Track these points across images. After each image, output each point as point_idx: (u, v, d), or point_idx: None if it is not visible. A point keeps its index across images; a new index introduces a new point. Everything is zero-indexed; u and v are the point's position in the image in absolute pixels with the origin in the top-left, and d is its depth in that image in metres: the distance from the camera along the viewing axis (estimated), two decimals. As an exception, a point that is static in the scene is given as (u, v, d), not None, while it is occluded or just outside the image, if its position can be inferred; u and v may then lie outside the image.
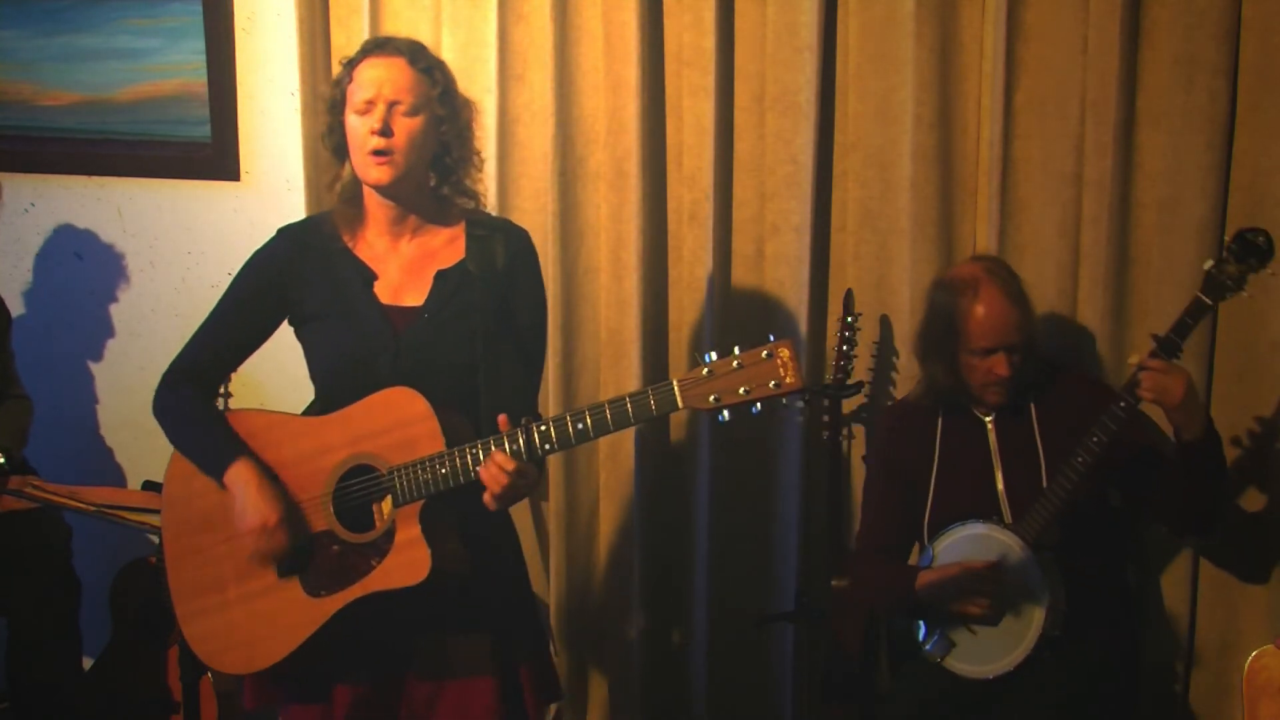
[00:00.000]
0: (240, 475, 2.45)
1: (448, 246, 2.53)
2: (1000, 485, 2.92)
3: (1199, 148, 3.04)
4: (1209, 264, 2.75)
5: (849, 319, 3.21)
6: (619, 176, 3.39)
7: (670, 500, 3.54)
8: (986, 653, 2.86)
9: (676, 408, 2.21)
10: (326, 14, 3.54)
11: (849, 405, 3.34)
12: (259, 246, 2.60)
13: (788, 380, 2.16)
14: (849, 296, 3.24)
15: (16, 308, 3.80)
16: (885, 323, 3.33)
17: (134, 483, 3.87)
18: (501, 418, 2.31)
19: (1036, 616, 2.79)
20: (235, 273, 2.61)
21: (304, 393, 3.53)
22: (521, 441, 2.29)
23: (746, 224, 3.40)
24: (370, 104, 2.42)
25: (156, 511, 2.99)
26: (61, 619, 3.60)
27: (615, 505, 3.52)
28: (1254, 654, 2.82)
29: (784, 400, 2.20)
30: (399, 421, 2.37)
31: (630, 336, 3.42)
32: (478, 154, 2.56)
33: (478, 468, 2.31)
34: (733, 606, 3.51)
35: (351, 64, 2.49)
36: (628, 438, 3.45)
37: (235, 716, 3.49)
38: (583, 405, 2.30)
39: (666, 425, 3.54)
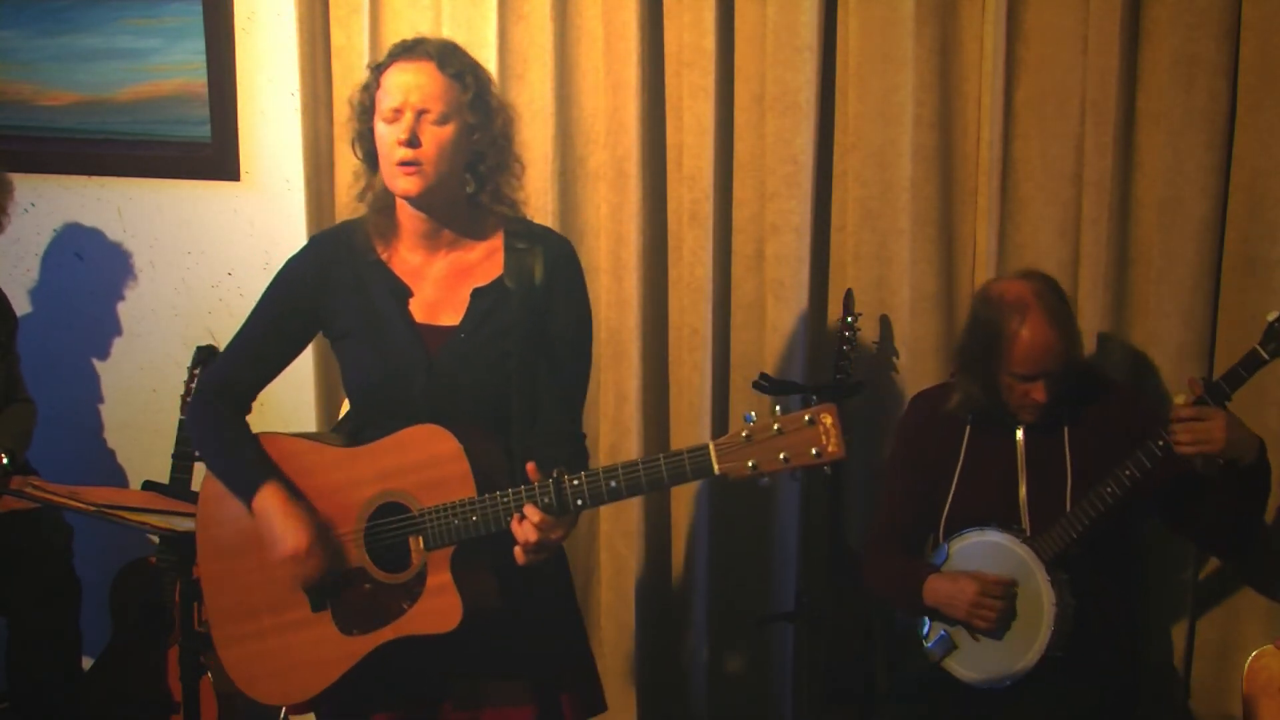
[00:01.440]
0: (267, 502, 2.39)
1: (485, 261, 2.42)
2: (1023, 495, 2.88)
3: (1199, 148, 3.04)
4: (1273, 316, 2.65)
5: (849, 319, 3.21)
6: (619, 176, 3.39)
7: (670, 500, 3.54)
8: (987, 662, 2.84)
9: (713, 473, 2.13)
10: (326, 14, 3.53)
11: (849, 405, 3.34)
12: (290, 256, 2.53)
13: (830, 449, 2.07)
14: (849, 296, 3.24)
15: (18, 308, 3.80)
16: (885, 323, 3.33)
17: (134, 483, 3.87)
18: (530, 466, 2.25)
19: (1042, 635, 2.76)
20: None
21: (305, 394, 3.55)
22: (553, 495, 2.23)
23: (746, 224, 3.40)
24: (398, 112, 2.31)
25: (156, 511, 3.00)
26: (61, 619, 3.60)
27: (615, 505, 3.50)
28: (1254, 654, 2.82)
29: (826, 469, 2.12)
30: (429, 461, 2.30)
31: (630, 336, 3.42)
32: (518, 160, 2.44)
33: (509, 519, 2.25)
34: (733, 606, 3.51)
35: (380, 68, 2.38)
36: (629, 438, 3.45)
37: (235, 716, 3.49)
38: (616, 462, 2.24)
39: (666, 425, 3.54)
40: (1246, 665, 2.82)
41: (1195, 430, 2.64)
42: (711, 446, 2.13)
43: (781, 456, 2.09)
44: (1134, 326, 3.17)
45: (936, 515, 2.95)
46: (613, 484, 2.21)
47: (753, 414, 2.12)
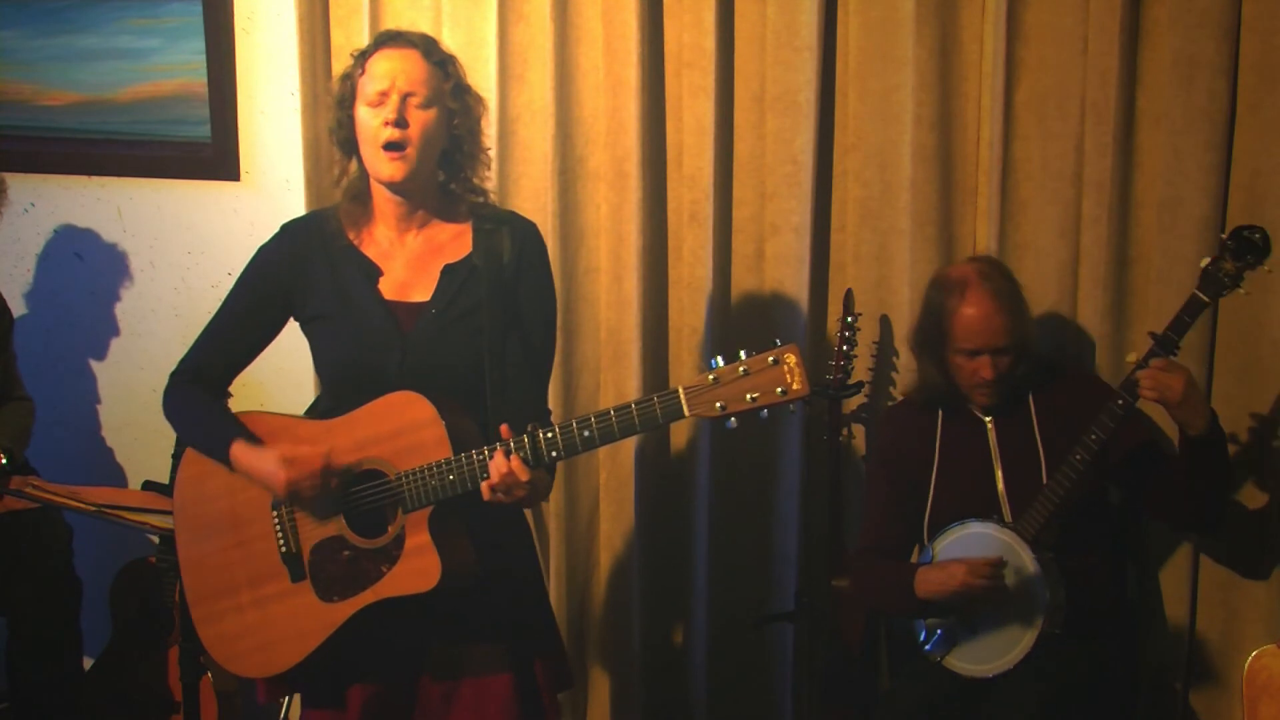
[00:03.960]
0: (240, 452, 2.44)
1: (455, 241, 2.51)
2: (1000, 485, 2.92)
3: (1199, 148, 3.04)
4: (1206, 261, 2.76)
5: (849, 319, 3.21)
6: (619, 176, 3.39)
7: (670, 500, 3.54)
8: (986, 651, 2.86)
9: (683, 415, 2.20)
10: (326, 14, 3.53)
11: (849, 405, 3.34)
12: (262, 243, 2.59)
13: (794, 386, 2.15)
14: (849, 296, 3.24)
15: (17, 308, 3.80)
16: (885, 323, 3.33)
17: (134, 483, 3.87)
18: (503, 427, 2.30)
19: (1036, 615, 2.79)
20: (239, 271, 2.61)
21: (304, 392, 3.54)
22: (528, 448, 2.29)
23: (746, 224, 3.40)
24: (384, 95, 2.40)
25: (156, 511, 3.00)
26: (61, 619, 3.60)
27: (615, 505, 3.52)
28: (1254, 654, 2.82)
29: (791, 407, 2.18)
30: (405, 426, 2.36)
31: (630, 336, 3.42)
32: (485, 151, 2.54)
33: (485, 476, 2.30)
34: (733, 606, 3.51)
35: (363, 56, 2.46)
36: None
37: (235, 716, 3.49)
38: (588, 412, 2.29)
39: (666, 425, 3.53)
40: (1246, 665, 2.82)
41: (1158, 378, 2.72)
42: (681, 390, 2.20)
43: (749, 397, 2.17)
44: (1134, 326, 3.17)
45: (919, 521, 2.97)
46: (586, 433, 2.26)
47: (718, 359, 2.19)
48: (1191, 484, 2.84)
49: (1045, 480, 2.85)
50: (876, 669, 3.25)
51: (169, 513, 2.99)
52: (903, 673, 3.07)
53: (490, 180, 2.57)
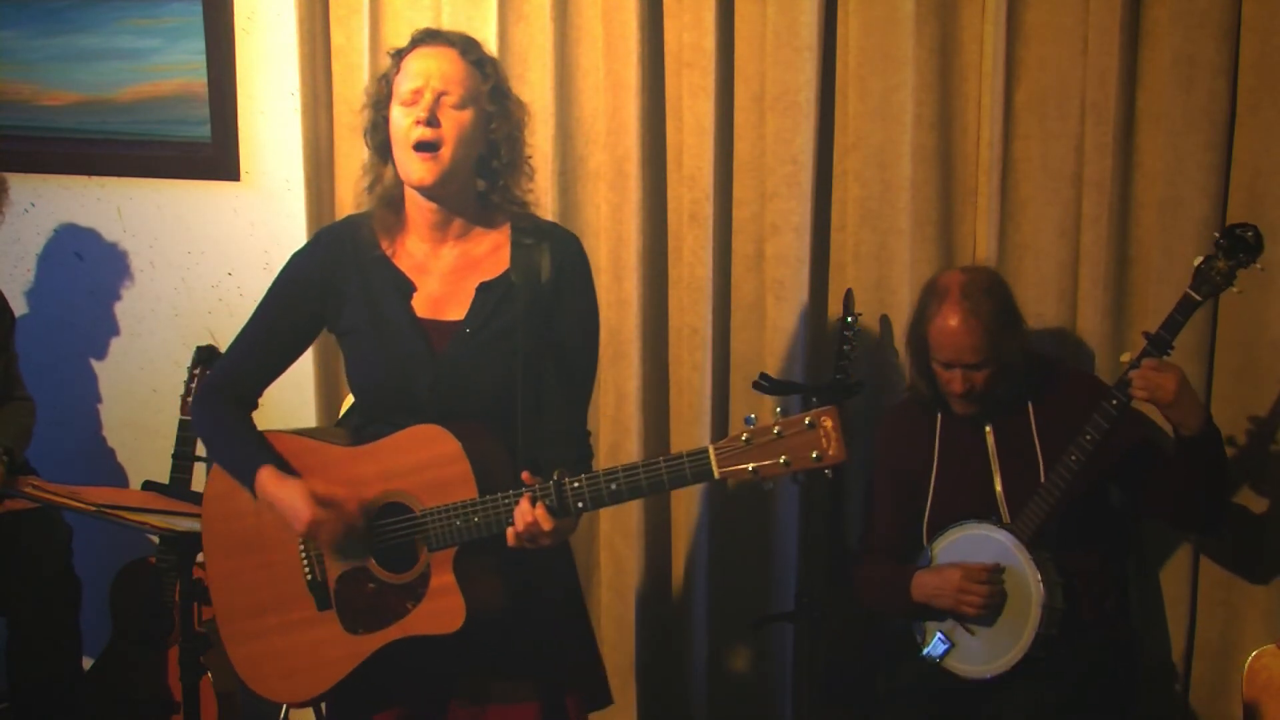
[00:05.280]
0: (266, 485, 2.38)
1: (492, 255, 2.40)
2: (999, 487, 2.92)
3: (1199, 148, 3.04)
4: (1199, 260, 2.75)
5: (849, 319, 3.21)
6: (619, 176, 3.39)
7: (671, 500, 3.54)
8: (984, 653, 2.86)
9: (713, 478, 2.13)
10: (326, 14, 3.54)
11: (849, 405, 3.34)
12: (295, 251, 2.52)
13: (830, 451, 2.06)
14: (849, 296, 3.24)
15: (17, 308, 3.80)
16: (885, 323, 3.34)
17: (134, 483, 3.87)
18: (525, 475, 2.23)
19: (1033, 616, 2.79)
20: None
21: (304, 393, 3.55)
22: (554, 496, 2.22)
23: (746, 224, 3.40)
24: (417, 94, 2.30)
25: (156, 511, 3.00)
26: (61, 619, 3.60)
27: (615, 505, 3.51)
28: (1254, 654, 2.82)
29: (827, 472, 2.10)
30: (430, 461, 2.29)
31: (630, 336, 3.42)
32: (528, 160, 2.41)
33: (511, 520, 2.23)
34: (732, 607, 3.51)
35: (400, 55, 2.37)
36: (629, 438, 3.45)
37: (235, 716, 3.49)
38: (616, 465, 2.23)
39: (666, 425, 3.54)
40: (1246, 665, 2.82)
41: (1150, 378, 2.72)
42: (711, 450, 2.12)
43: (782, 460, 2.07)
44: (1134, 326, 3.17)
45: (920, 523, 2.97)
46: (613, 486, 2.20)
47: (754, 416, 2.11)
48: (1188, 484, 2.84)
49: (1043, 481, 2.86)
50: (876, 669, 3.25)
51: (169, 513, 3.00)
52: (903, 673, 3.07)
53: (533, 191, 2.45)
